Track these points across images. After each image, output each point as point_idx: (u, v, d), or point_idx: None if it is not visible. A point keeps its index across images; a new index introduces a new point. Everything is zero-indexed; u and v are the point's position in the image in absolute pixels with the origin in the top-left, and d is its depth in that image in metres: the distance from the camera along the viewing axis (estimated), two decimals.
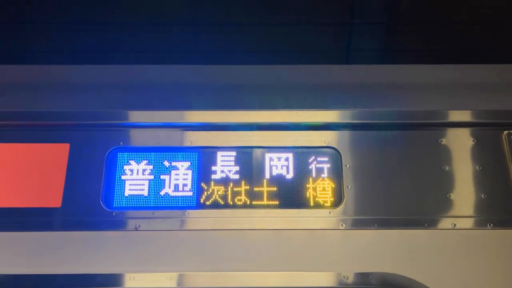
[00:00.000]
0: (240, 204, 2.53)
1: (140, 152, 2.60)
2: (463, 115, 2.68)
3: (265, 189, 2.55)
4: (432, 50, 3.57)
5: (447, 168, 2.58)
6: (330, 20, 3.42)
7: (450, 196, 2.51)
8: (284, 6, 3.32)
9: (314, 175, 2.58)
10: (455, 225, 2.44)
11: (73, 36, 3.38)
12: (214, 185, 2.55)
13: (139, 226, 2.45)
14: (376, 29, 3.54)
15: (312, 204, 2.53)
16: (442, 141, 2.63)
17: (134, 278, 2.33)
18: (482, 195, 2.51)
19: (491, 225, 2.44)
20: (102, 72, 2.94)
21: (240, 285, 2.38)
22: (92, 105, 2.71)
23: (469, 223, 2.46)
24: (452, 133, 2.65)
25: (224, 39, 3.53)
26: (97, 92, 2.81)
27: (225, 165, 2.59)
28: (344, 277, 2.36)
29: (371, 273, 2.37)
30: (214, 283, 2.39)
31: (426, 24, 3.44)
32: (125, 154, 2.60)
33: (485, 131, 2.65)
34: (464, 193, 2.54)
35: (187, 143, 2.63)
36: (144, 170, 2.58)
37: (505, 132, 2.62)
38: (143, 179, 2.57)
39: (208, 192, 2.54)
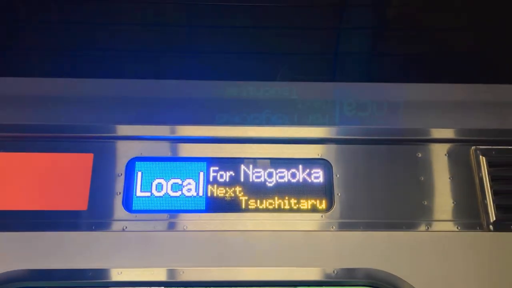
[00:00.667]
0: (244, 208, 2.70)
1: (156, 161, 2.77)
2: (437, 133, 2.88)
3: (266, 195, 2.73)
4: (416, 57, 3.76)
5: (423, 178, 2.78)
6: (319, 25, 3.60)
7: (425, 202, 2.73)
8: (276, 11, 3.48)
9: (308, 183, 2.76)
10: (428, 227, 2.67)
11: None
12: (222, 192, 2.73)
13: (155, 227, 2.64)
14: (363, 34, 3.71)
15: (306, 209, 2.71)
16: (419, 155, 2.83)
17: (153, 272, 2.54)
18: (452, 202, 2.74)
19: (459, 227, 2.68)
20: (119, 86, 3.08)
21: (245, 278, 2.57)
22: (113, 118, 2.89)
23: (440, 226, 2.69)
24: (427, 148, 2.85)
25: (218, 40, 3.66)
26: (114, 105, 2.97)
27: (231, 174, 2.76)
28: (333, 271, 2.57)
29: (357, 268, 2.59)
30: (222, 276, 2.58)
31: (412, 31, 3.62)
32: (143, 163, 2.76)
33: (456, 146, 2.85)
34: (437, 200, 2.74)
35: (198, 154, 2.80)
36: (160, 178, 2.74)
37: (472, 148, 2.84)
38: (159, 186, 2.73)
39: (216, 198, 2.71)
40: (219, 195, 2.74)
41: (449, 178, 2.80)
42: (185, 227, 2.66)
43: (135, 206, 2.71)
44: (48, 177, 2.71)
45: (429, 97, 3.06)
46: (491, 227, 2.70)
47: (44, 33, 3.58)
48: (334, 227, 2.68)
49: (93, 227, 2.64)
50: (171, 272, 2.58)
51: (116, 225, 2.65)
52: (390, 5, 3.66)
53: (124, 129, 2.84)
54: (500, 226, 2.70)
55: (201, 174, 2.77)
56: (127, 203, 2.71)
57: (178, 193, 2.74)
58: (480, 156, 2.83)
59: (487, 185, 2.77)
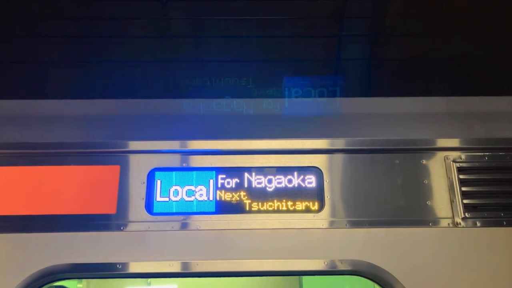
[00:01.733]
0: (248, 210, 3.03)
1: (173, 171, 3.13)
2: (413, 142, 3.16)
3: (266, 198, 3.06)
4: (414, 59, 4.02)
5: (400, 182, 3.07)
6: (320, 33, 3.90)
7: (402, 203, 3.03)
8: (280, 21, 3.78)
9: (303, 188, 3.07)
10: (405, 224, 2.97)
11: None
12: (229, 196, 3.06)
13: (173, 227, 3.00)
14: (363, 41, 3.99)
15: (301, 210, 3.02)
16: (397, 162, 3.11)
17: (172, 265, 2.92)
18: (426, 202, 3.04)
19: (431, 224, 2.98)
20: (142, 106, 3.46)
21: (249, 269, 2.92)
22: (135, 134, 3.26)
23: (416, 223, 2.98)
24: (405, 156, 3.13)
25: (223, 49, 3.96)
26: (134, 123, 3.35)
27: (237, 181, 3.08)
28: (324, 262, 2.89)
29: (343, 259, 2.89)
30: (229, 268, 2.91)
31: (408, 37, 3.91)
32: (162, 173, 3.12)
33: (430, 154, 3.14)
34: (413, 201, 3.02)
35: (208, 164, 3.14)
36: (176, 185, 3.10)
37: (444, 155, 3.15)
38: (175, 192, 3.08)
39: (224, 201, 3.06)
40: (227, 199, 3.07)
41: (424, 182, 3.09)
42: (198, 227, 3.00)
43: (156, 209, 3.06)
44: (83, 186, 3.09)
45: (407, 110, 3.36)
46: (460, 223, 3.01)
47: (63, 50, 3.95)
48: (324, 225, 2.99)
49: (121, 228, 3.00)
50: (187, 264, 2.94)
51: (140, 226, 3.00)
52: (386, 15, 4.01)
53: (145, 145, 3.19)
54: (467, 222, 3.02)
55: (211, 181, 3.11)
56: (149, 207, 3.05)
57: (192, 198, 3.08)
58: (451, 162, 3.14)
59: (456, 187, 3.07)
